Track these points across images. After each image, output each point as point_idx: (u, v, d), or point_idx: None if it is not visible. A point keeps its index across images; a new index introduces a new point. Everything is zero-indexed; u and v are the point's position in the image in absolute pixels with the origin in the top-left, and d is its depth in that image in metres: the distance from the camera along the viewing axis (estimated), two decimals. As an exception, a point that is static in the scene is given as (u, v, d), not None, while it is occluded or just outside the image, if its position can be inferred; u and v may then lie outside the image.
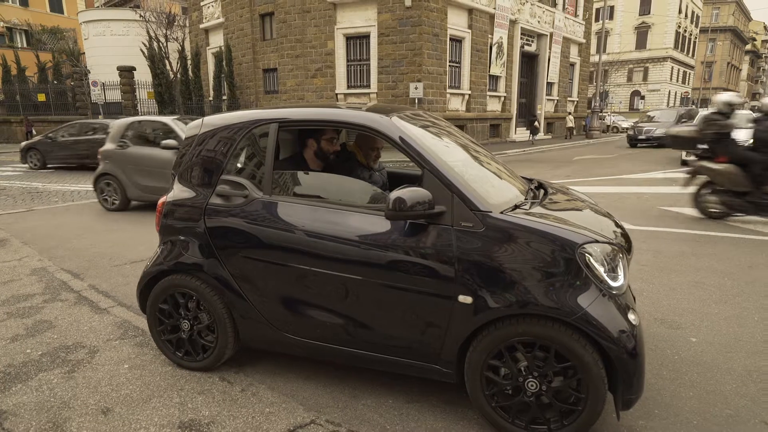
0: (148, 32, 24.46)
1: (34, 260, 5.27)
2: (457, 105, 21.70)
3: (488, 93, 23.57)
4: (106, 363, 3.05)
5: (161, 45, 24.88)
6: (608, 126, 36.03)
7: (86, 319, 3.72)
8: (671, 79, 55.84)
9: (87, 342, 3.35)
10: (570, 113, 29.04)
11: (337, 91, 20.66)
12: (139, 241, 5.97)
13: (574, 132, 26.31)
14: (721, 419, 2.44)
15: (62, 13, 41.19)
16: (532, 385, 2.21)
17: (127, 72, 23.53)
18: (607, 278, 2.16)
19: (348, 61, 20.52)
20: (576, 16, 30.75)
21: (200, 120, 2.99)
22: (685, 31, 57.13)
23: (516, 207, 2.42)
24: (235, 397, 2.67)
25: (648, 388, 2.70)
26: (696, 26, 60.73)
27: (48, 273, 4.84)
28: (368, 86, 20.35)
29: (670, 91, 56.02)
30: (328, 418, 2.48)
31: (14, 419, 2.49)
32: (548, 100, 29.05)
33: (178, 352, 2.98)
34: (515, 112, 26.03)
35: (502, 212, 2.28)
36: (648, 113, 23.80)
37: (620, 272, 2.23)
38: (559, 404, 2.21)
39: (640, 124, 21.36)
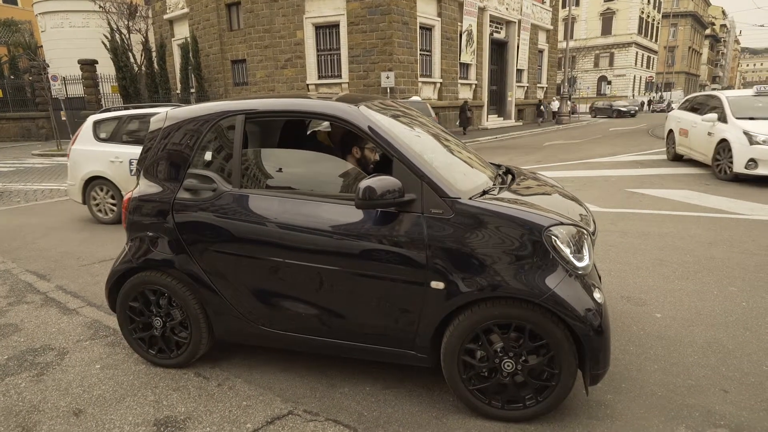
0: (109, 23, 23.57)
1: (-4, 263, 5.09)
2: (429, 93, 21.72)
3: (459, 81, 23.69)
4: (76, 364, 2.99)
5: (123, 37, 24.00)
6: None
7: (54, 321, 3.62)
8: (636, 64, 57.18)
9: (56, 344, 3.26)
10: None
11: (308, 82, 20.42)
12: (108, 239, 5.82)
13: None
14: (683, 389, 2.55)
15: (16, 4, 39.35)
16: (508, 366, 2.27)
17: (88, 65, 22.69)
18: (573, 259, 2.22)
19: (318, 50, 20.29)
20: (543, 2, 31.07)
21: (164, 113, 2.93)
22: (648, 16, 58.46)
23: (484, 193, 2.46)
24: (211, 392, 2.66)
25: (616, 364, 2.81)
26: (659, 12, 62.21)
27: (12, 275, 4.68)
28: (339, 76, 20.19)
29: (635, 76, 57.40)
30: (306, 408, 2.49)
31: (-19, 426, 2.42)
32: (518, 86, 29.38)
33: (151, 349, 2.93)
34: (487, 99, 26.25)
35: (470, 198, 2.31)
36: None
37: (585, 253, 2.29)
38: (533, 382, 2.27)
39: None
